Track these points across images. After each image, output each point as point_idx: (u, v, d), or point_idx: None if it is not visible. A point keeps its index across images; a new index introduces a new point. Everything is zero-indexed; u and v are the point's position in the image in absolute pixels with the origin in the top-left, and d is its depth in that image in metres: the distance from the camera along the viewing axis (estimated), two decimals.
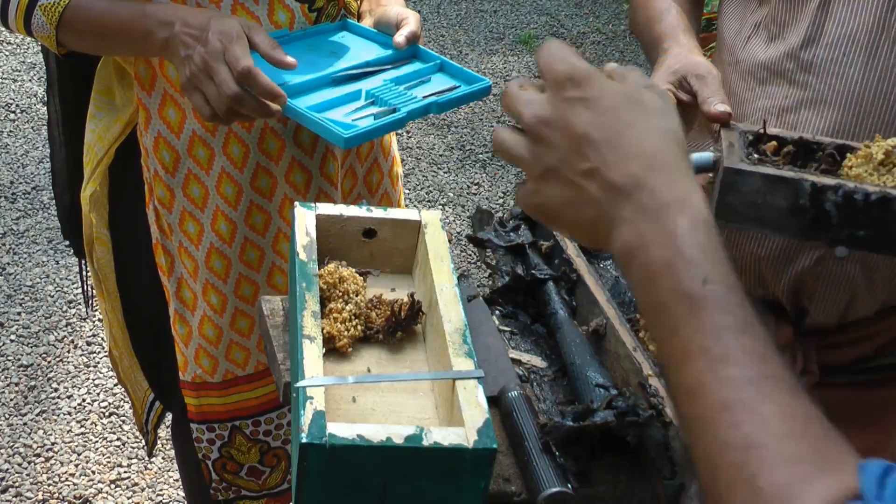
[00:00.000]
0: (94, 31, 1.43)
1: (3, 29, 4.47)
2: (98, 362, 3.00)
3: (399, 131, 3.06)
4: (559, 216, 0.76)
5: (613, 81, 0.75)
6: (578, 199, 0.73)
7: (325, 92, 1.44)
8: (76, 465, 2.66)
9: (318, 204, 1.17)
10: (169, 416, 2.03)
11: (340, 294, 1.09)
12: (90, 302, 1.90)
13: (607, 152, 0.72)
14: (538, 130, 0.75)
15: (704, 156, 1.11)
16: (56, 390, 2.88)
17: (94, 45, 1.49)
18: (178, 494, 2.61)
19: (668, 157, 0.71)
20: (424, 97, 1.43)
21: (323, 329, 1.04)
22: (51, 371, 2.95)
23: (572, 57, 0.75)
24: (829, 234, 1.05)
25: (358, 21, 1.65)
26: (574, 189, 0.73)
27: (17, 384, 2.88)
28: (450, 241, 1.14)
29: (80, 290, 3.21)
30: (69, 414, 2.82)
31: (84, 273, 1.90)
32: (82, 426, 2.79)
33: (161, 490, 2.63)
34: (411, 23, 1.54)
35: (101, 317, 3.11)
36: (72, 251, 3.34)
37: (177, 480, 2.63)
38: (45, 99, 4.10)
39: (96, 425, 2.79)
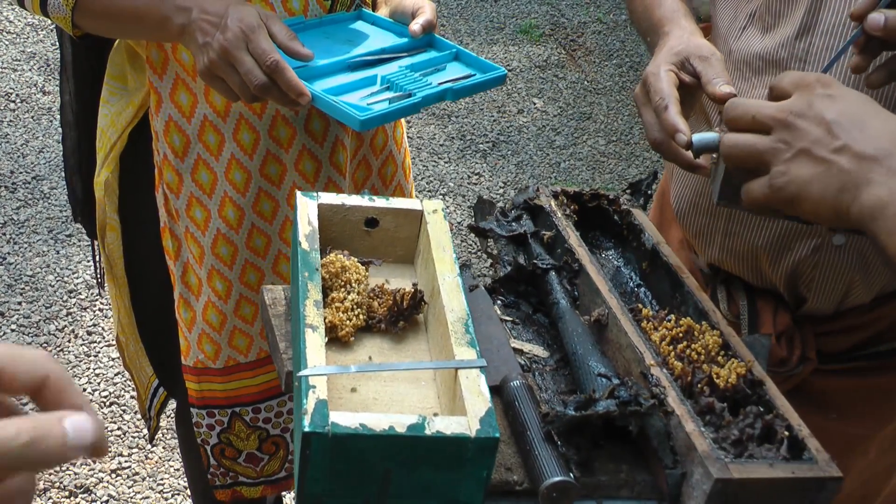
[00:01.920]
0: (111, 14, 1.43)
1: (3, 17, 4.46)
2: (98, 352, 3.00)
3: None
4: (805, 190, 0.87)
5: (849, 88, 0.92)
6: (828, 172, 0.86)
7: (340, 77, 1.45)
8: None
9: (320, 193, 1.16)
10: (172, 405, 2.03)
11: (342, 283, 1.09)
12: (102, 284, 1.90)
13: (856, 133, 0.86)
14: (791, 121, 0.90)
15: (708, 136, 1.10)
16: None
17: (110, 28, 1.49)
18: (178, 484, 2.62)
19: None
20: (439, 84, 1.44)
21: (325, 318, 1.04)
22: None
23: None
24: None
25: (373, 11, 1.65)
26: (825, 164, 0.86)
27: None
28: (450, 230, 1.14)
29: (80, 280, 3.22)
30: None
31: (97, 256, 1.90)
32: None
33: (161, 479, 2.63)
34: (427, 11, 1.54)
35: (101, 306, 3.12)
36: (72, 240, 3.36)
37: (178, 470, 2.64)
38: (46, 88, 4.10)
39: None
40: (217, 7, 1.34)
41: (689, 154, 1.15)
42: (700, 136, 1.09)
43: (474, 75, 1.49)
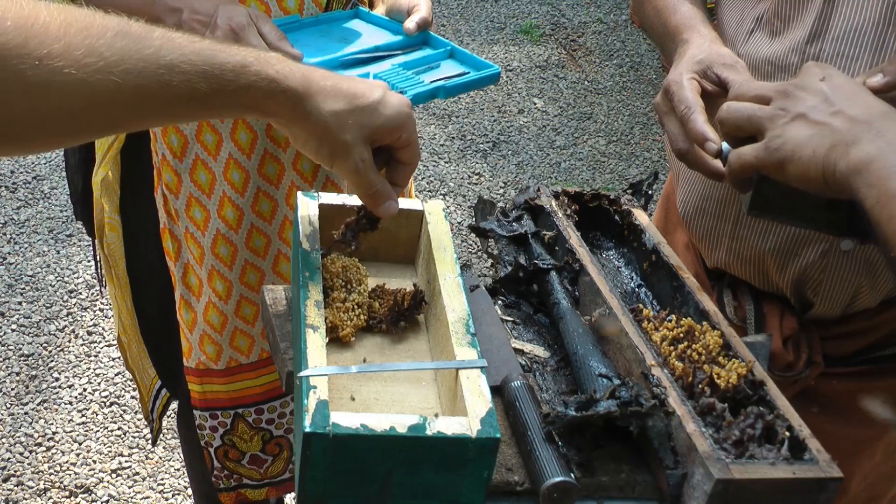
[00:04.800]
0: None
1: None
2: (99, 352, 3.00)
3: None
4: (798, 151, 0.93)
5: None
6: (821, 133, 0.92)
7: None
8: (77, 455, 2.67)
9: (320, 193, 1.16)
10: (174, 405, 2.03)
11: (343, 283, 1.09)
12: (103, 283, 1.90)
13: (849, 102, 0.94)
14: (790, 91, 0.98)
15: None
16: (57, 380, 2.89)
17: None
18: (179, 484, 2.62)
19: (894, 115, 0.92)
20: (432, 82, 1.43)
21: (326, 318, 1.04)
22: (52, 360, 2.95)
23: None
24: (864, 231, 1.04)
25: (371, 9, 1.65)
26: (819, 126, 0.93)
27: (18, 374, 2.88)
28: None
29: (80, 280, 3.21)
30: (70, 403, 2.82)
31: (97, 255, 1.91)
32: (83, 415, 2.79)
33: (162, 479, 2.63)
34: (422, 9, 1.54)
35: (101, 306, 3.12)
36: (73, 240, 3.36)
37: (178, 470, 2.64)
38: None
39: (97, 415, 2.80)
40: (207, 7, 1.35)
41: (716, 163, 1.14)
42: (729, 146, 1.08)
43: (468, 73, 1.49)
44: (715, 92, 1.20)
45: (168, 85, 0.86)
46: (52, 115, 0.82)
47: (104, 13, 0.85)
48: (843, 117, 0.92)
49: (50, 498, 2.54)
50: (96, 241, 1.80)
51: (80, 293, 3.19)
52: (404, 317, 1.10)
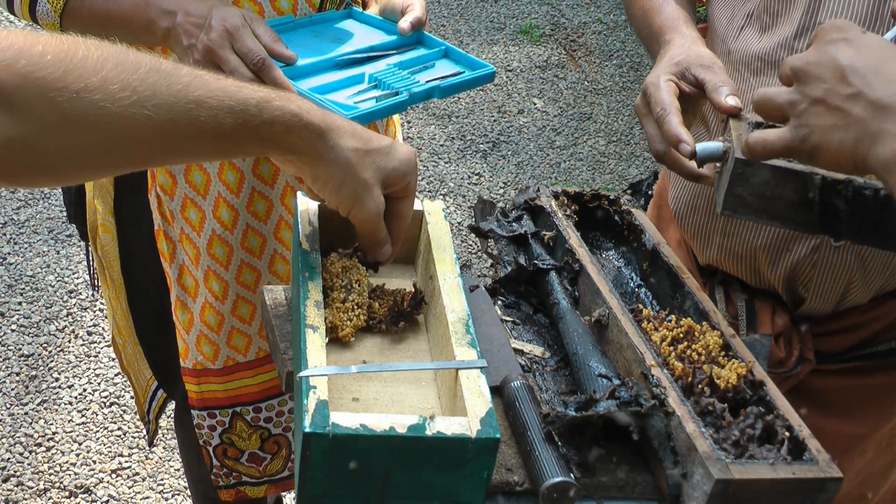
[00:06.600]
0: (98, 20, 1.43)
1: (4, 17, 4.46)
2: (99, 352, 3.00)
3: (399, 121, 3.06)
4: (825, 140, 0.88)
5: (867, 31, 0.91)
6: (843, 123, 0.86)
7: (328, 75, 1.45)
8: (77, 455, 2.67)
9: None
10: (171, 405, 2.03)
11: (343, 283, 1.09)
12: (96, 286, 1.90)
13: (870, 77, 0.85)
14: (807, 70, 0.90)
15: (712, 145, 1.10)
16: (57, 380, 2.89)
17: (98, 34, 1.48)
18: (178, 484, 2.62)
19: None
20: (427, 82, 1.44)
21: (326, 318, 1.04)
22: (52, 361, 2.95)
23: None
24: (836, 229, 1.05)
25: (364, 9, 1.65)
26: (839, 114, 0.86)
27: (18, 374, 2.88)
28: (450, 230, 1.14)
29: (80, 280, 3.22)
30: (70, 403, 2.82)
31: (90, 257, 1.91)
32: (83, 416, 2.79)
33: (162, 479, 2.63)
34: (416, 9, 1.54)
35: (101, 306, 3.12)
36: (73, 240, 3.36)
37: (178, 470, 2.64)
38: None
39: (97, 415, 2.80)
40: (201, 9, 1.35)
41: (693, 164, 1.15)
42: (704, 146, 1.09)
43: (463, 73, 1.49)
44: (693, 93, 1.20)
45: (196, 119, 0.87)
46: (85, 148, 0.83)
47: (136, 50, 0.87)
48: (864, 102, 0.85)
49: (50, 498, 2.54)
50: (90, 242, 1.80)
51: (80, 293, 3.19)
52: (404, 317, 1.10)
